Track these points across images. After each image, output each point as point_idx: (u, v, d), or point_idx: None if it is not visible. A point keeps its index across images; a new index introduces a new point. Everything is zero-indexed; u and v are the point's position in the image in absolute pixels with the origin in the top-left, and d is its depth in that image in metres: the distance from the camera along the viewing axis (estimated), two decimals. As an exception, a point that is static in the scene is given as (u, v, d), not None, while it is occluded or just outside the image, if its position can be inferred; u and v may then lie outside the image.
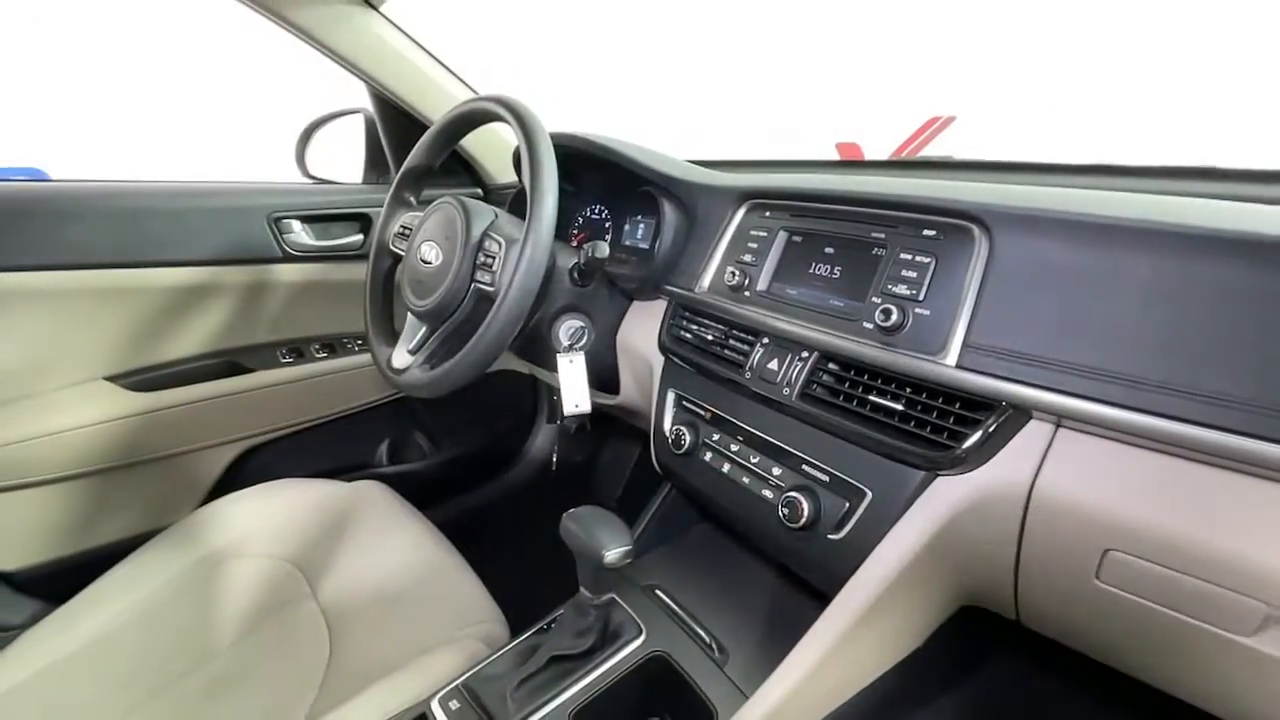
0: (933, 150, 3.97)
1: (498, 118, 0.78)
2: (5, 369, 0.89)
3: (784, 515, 0.61)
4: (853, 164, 0.96)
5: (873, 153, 4.06)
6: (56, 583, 0.91)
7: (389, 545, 0.87)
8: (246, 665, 0.72)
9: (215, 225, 1.02)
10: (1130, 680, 0.60)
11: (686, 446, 0.75)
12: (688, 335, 0.80)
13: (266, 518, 0.89)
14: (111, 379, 0.97)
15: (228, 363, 1.06)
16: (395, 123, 1.14)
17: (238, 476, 1.08)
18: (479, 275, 0.76)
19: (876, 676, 0.71)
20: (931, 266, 0.57)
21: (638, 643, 0.65)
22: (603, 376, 0.95)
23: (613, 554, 0.59)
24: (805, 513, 0.59)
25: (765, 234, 0.75)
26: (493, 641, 0.69)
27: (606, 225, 1.05)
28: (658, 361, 0.84)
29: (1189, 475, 0.44)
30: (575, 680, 0.60)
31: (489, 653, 0.65)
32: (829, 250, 0.68)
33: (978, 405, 0.52)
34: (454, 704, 0.58)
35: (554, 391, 0.92)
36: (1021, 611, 0.63)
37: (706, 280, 0.79)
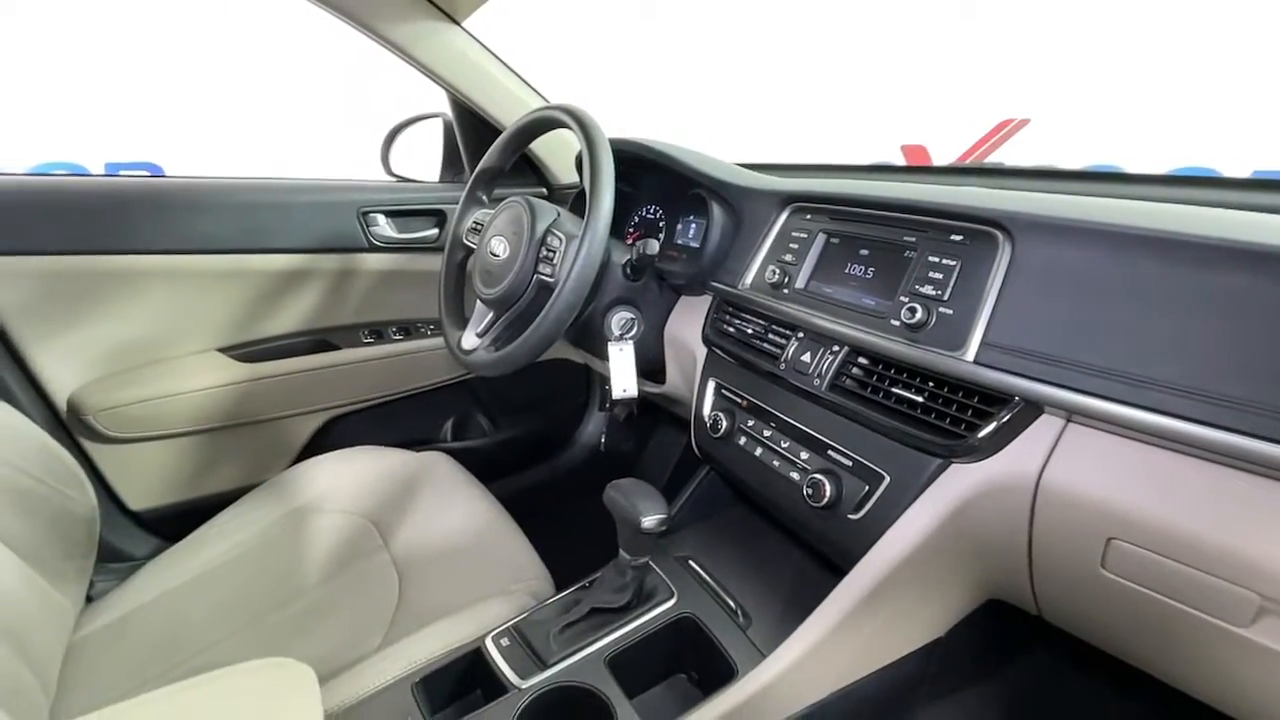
0: (1004, 154, 3.84)
1: (563, 124, 0.86)
2: (139, 338, 1.04)
3: (808, 495, 0.66)
4: (892, 169, 0.99)
5: (940, 156, 3.97)
6: (172, 524, 1.05)
7: (451, 508, 0.96)
8: (328, 603, 0.83)
9: (312, 218, 1.15)
10: (1153, 687, 0.62)
11: (723, 431, 0.80)
12: (730, 329, 0.86)
13: (347, 479, 1.00)
14: (223, 350, 1.11)
15: (318, 340, 1.19)
16: (471, 127, 1.24)
17: (323, 441, 1.21)
18: (541, 268, 0.84)
19: (897, 658, 0.74)
20: (957, 269, 0.61)
21: (669, 604, 0.71)
22: (650, 366, 1.02)
23: (649, 520, 0.65)
24: (828, 493, 0.64)
25: (805, 235, 0.79)
26: (540, 595, 0.77)
27: (660, 225, 1.12)
28: (701, 352, 0.90)
29: (1189, 470, 0.47)
30: (611, 631, 0.67)
31: (536, 604, 0.73)
32: (864, 252, 0.72)
33: (993, 399, 0.56)
34: (504, 641, 0.66)
35: (606, 381, 0.99)
36: (1041, 604, 0.65)
37: (749, 278, 0.85)
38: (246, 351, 1.13)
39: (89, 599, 0.86)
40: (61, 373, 0.99)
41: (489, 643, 0.66)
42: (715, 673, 0.65)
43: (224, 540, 0.93)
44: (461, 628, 0.70)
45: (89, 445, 1.01)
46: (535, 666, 0.63)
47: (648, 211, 1.15)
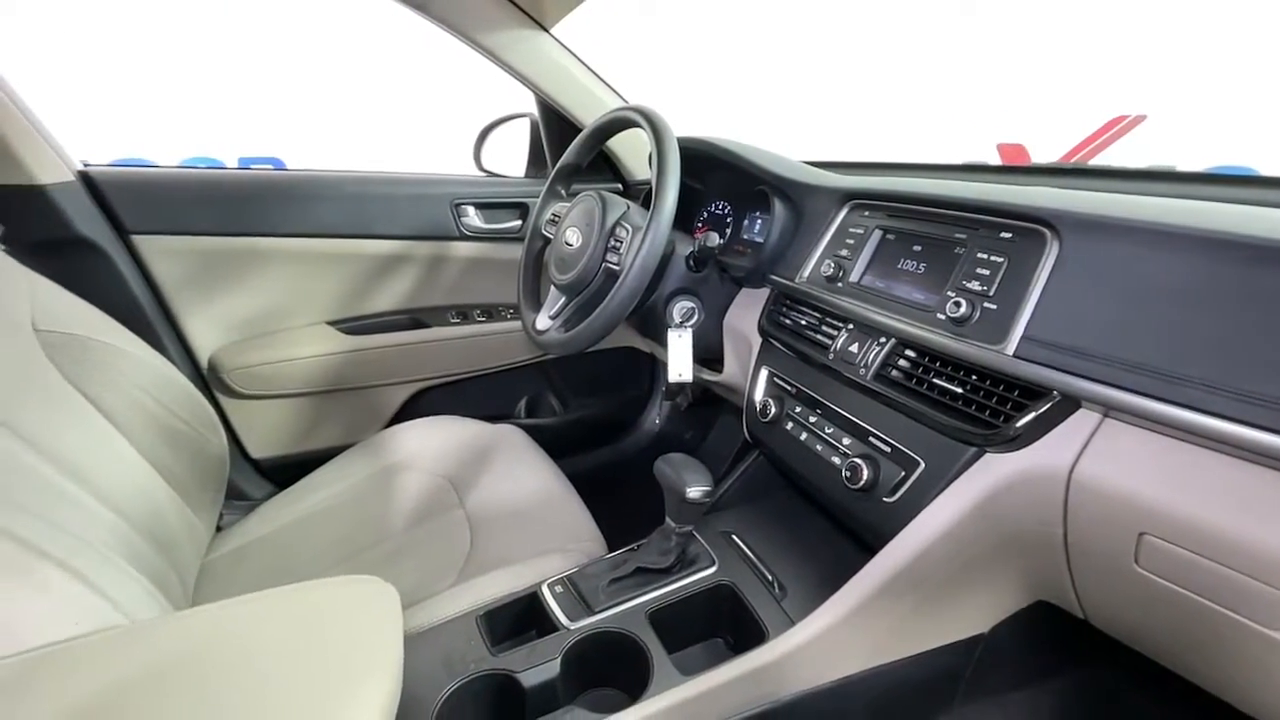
0: (1116, 152, 3.57)
1: (635, 124, 0.92)
2: (265, 308, 1.20)
3: (846, 478, 0.69)
4: (952, 168, 0.98)
5: (1043, 155, 3.74)
6: (284, 472, 1.20)
7: (520, 475, 1.05)
8: (410, 547, 0.94)
9: (411, 208, 1.27)
10: (1204, 707, 0.61)
11: (771, 416, 0.84)
12: (786, 321, 0.89)
13: (431, 444, 1.11)
14: (331, 323, 1.26)
15: (412, 318, 1.32)
16: (555, 126, 1.33)
17: (412, 409, 1.34)
18: (609, 256, 0.91)
19: (934, 647, 0.76)
20: (1004, 266, 0.63)
21: (710, 571, 0.76)
22: (710, 355, 1.07)
23: (694, 491, 0.71)
24: (865, 476, 0.67)
25: (862, 231, 0.82)
26: (592, 555, 0.84)
27: (727, 220, 1.16)
28: (756, 342, 0.94)
29: (1222, 468, 0.47)
30: (654, 589, 0.73)
31: (589, 561, 0.81)
32: (917, 248, 0.74)
33: (1031, 392, 0.58)
34: (558, 589, 0.74)
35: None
36: (1084, 605, 0.66)
37: (807, 271, 0.88)
38: (351, 325, 1.27)
39: (218, 528, 1.02)
40: (205, 335, 1.16)
41: (545, 589, 0.74)
42: (749, 637, 0.70)
43: (326, 489, 1.06)
44: (522, 576, 0.78)
45: (222, 399, 1.18)
46: (583, 612, 0.70)
47: (716, 207, 1.19)
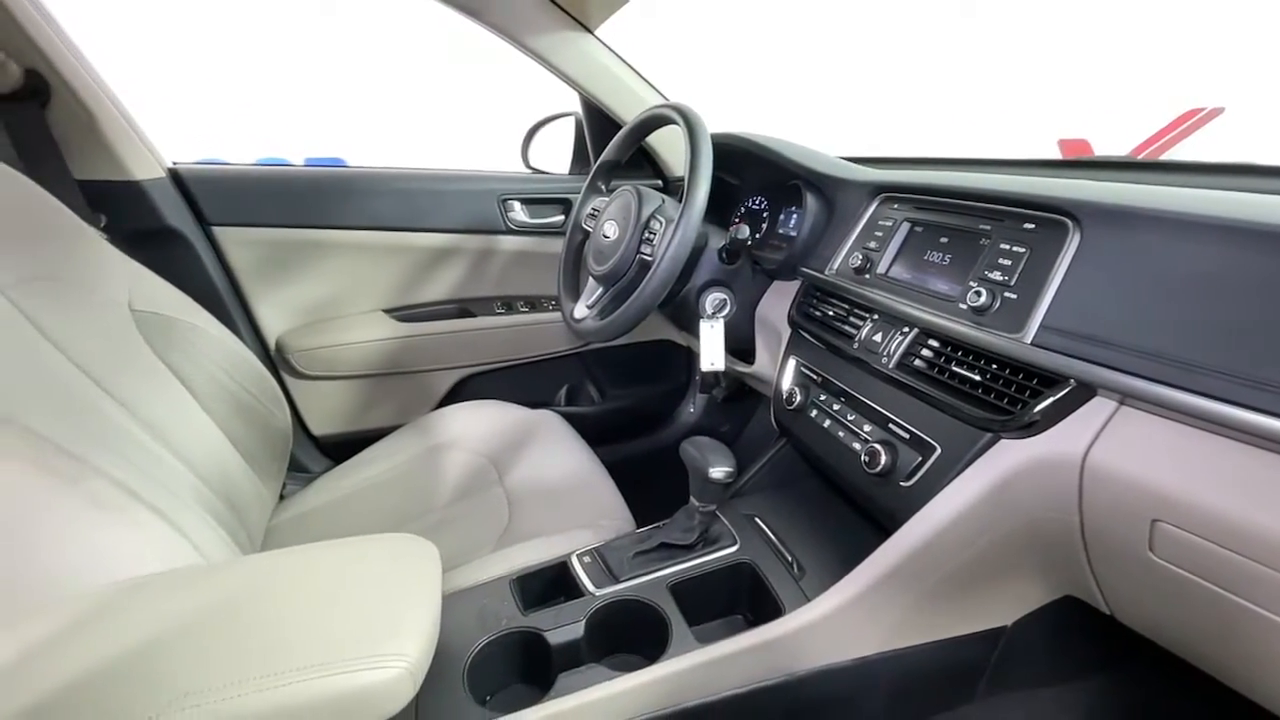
0: (1191, 147, 3.39)
1: (671, 121, 0.96)
2: (325, 296, 1.29)
3: (865, 462, 0.71)
4: (985, 162, 0.98)
5: (1110, 149, 3.58)
6: (340, 448, 1.29)
7: (557, 457, 1.10)
8: (452, 519, 1.00)
9: (460, 203, 1.35)
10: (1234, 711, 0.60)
11: (797, 404, 0.87)
12: (815, 313, 0.91)
13: (475, 426, 1.18)
14: (386, 311, 1.34)
15: (460, 308, 1.39)
16: (598, 124, 1.38)
17: (458, 393, 1.42)
18: (643, 248, 0.95)
19: (953, 635, 0.77)
20: (1026, 256, 0.63)
21: (731, 550, 0.79)
22: (741, 346, 1.10)
23: (717, 471, 0.74)
24: (883, 461, 0.69)
25: (891, 224, 0.83)
26: (621, 532, 0.88)
27: (764, 214, 1.18)
28: (785, 333, 0.97)
29: (1236, 455, 0.47)
30: (677, 563, 0.77)
31: (616, 537, 0.85)
32: (943, 240, 0.75)
33: (1048, 380, 0.58)
34: (586, 559, 0.78)
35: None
36: (1108, 598, 0.66)
37: (836, 263, 0.90)
38: (404, 313, 1.35)
39: (281, 497, 1.11)
40: (273, 318, 1.26)
41: (574, 559, 0.78)
42: (766, 613, 0.73)
43: (378, 465, 1.14)
44: (554, 546, 0.83)
45: (287, 378, 1.28)
46: (609, 580, 0.74)
47: (753, 202, 1.22)
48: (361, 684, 0.47)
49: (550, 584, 0.77)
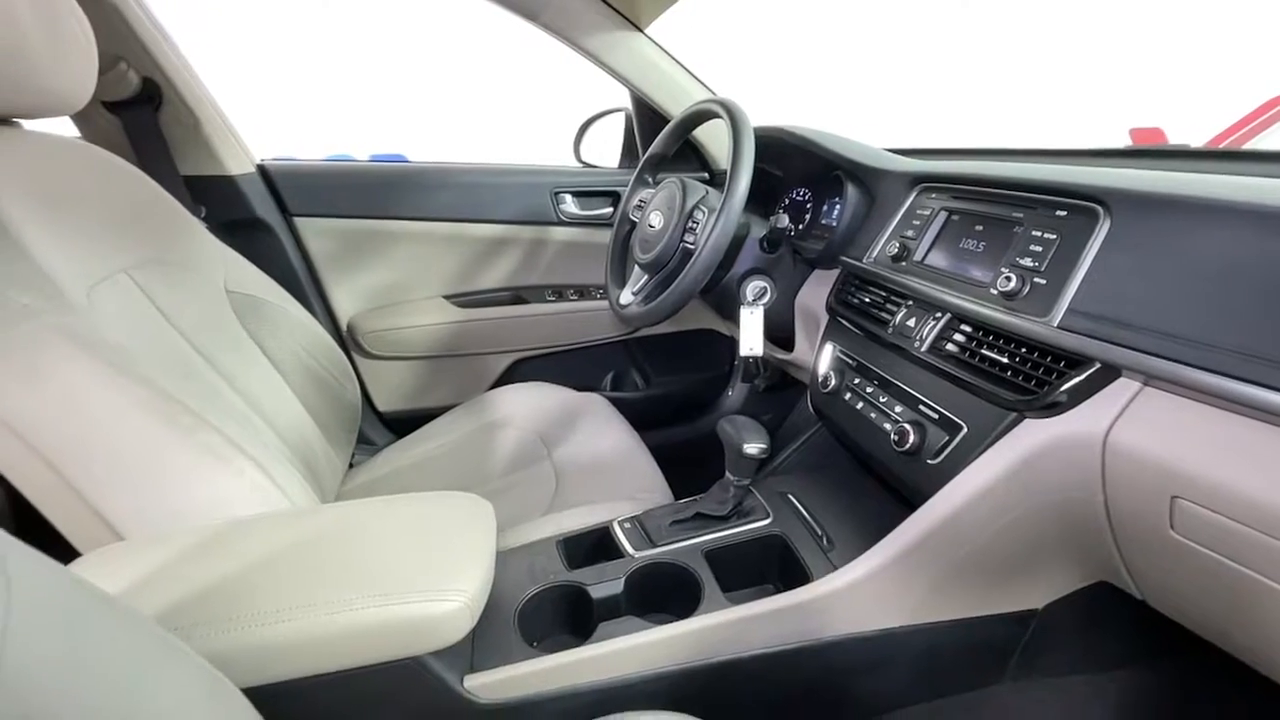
0: (1276, 136, 3.17)
1: (715, 115, 1.00)
2: (392, 282, 1.39)
3: (894, 441, 0.74)
4: (1026, 152, 0.98)
5: (1184, 138, 3.39)
6: (402, 424, 1.39)
7: (602, 436, 1.17)
8: (504, 490, 1.08)
9: (516, 196, 1.42)
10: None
11: (832, 387, 0.90)
12: (853, 300, 0.94)
13: (526, 406, 1.25)
14: (446, 297, 1.43)
15: (514, 295, 1.48)
16: (648, 119, 1.43)
17: (511, 375, 1.50)
18: (686, 237, 1.00)
19: (981, 614, 0.79)
20: (1056, 242, 0.65)
21: (764, 522, 0.83)
22: (781, 334, 1.13)
23: (751, 447, 0.79)
24: (911, 440, 0.72)
25: (928, 213, 0.86)
26: (659, 504, 0.94)
27: (807, 205, 1.21)
28: (824, 319, 1.00)
29: (1253, 433, 0.49)
30: (711, 532, 0.82)
31: (655, 506, 0.90)
32: (978, 228, 0.77)
33: (1073, 362, 0.60)
34: (626, 525, 0.84)
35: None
36: (1137, 581, 0.67)
37: (875, 252, 0.92)
38: (462, 300, 1.44)
39: (350, 465, 1.21)
40: (345, 302, 1.37)
41: (615, 524, 0.84)
42: (795, 583, 0.77)
43: (437, 439, 1.22)
44: (597, 514, 0.89)
45: (357, 357, 1.39)
46: (647, 544, 0.80)
47: (797, 194, 1.25)
48: (426, 613, 0.55)
49: (593, 546, 0.83)
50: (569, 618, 0.74)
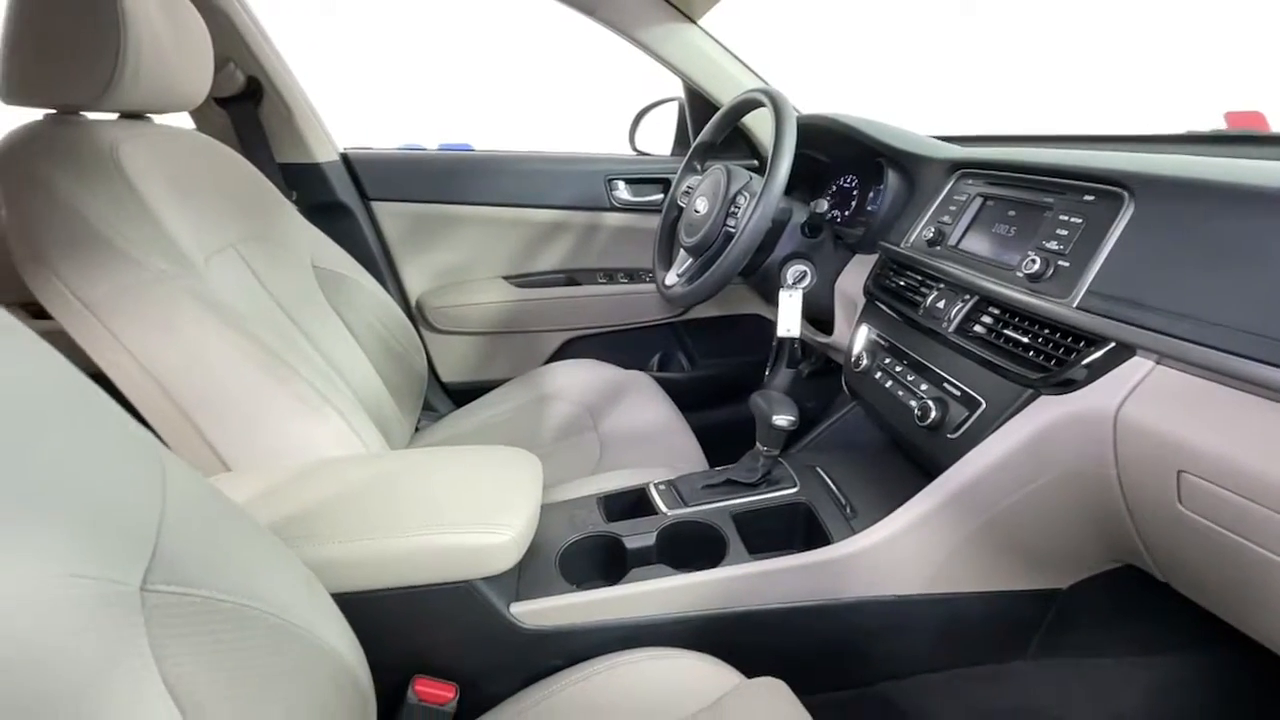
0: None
1: (761, 104, 1.04)
2: (457, 262, 1.50)
3: (917, 416, 0.78)
4: (1069, 138, 0.97)
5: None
6: (463, 394, 1.51)
7: (645, 411, 1.24)
8: (553, 455, 1.16)
9: (571, 183, 1.51)
10: None
11: (864, 366, 0.94)
12: (890, 284, 0.97)
13: (576, 381, 1.34)
14: (505, 278, 1.54)
15: (568, 277, 1.56)
16: (700, 109, 1.48)
17: (564, 353, 1.59)
18: (728, 221, 1.05)
19: (1002, 589, 0.82)
20: (1082, 226, 0.67)
21: (790, 491, 0.88)
22: (821, 317, 1.17)
23: (780, 420, 0.84)
24: (933, 415, 0.75)
25: (965, 198, 0.88)
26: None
27: (853, 192, 1.24)
28: (860, 302, 1.03)
29: (1260, 410, 0.51)
30: (740, 496, 0.87)
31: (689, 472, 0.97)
32: (1011, 213, 0.79)
33: (1090, 340, 0.63)
34: (662, 487, 0.90)
35: (793, 339, 1.17)
36: (1155, 559, 0.69)
37: (913, 237, 0.95)
38: (520, 280, 1.54)
39: (416, 429, 1.33)
40: (415, 279, 1.49)
41: (651, 486, 0.91)
42: (817, 546, 0.81)
43: (493, 409, 1.33)
44: (635, 476, 0.96)
45: (424, 331, 1.51)
46: (679, 504, 0.86)
47: (844, 180, 1.27)
48: (479, 542, 0.63)
49: (630, 504, 0.90)
50: (605, 564, 0.81)
